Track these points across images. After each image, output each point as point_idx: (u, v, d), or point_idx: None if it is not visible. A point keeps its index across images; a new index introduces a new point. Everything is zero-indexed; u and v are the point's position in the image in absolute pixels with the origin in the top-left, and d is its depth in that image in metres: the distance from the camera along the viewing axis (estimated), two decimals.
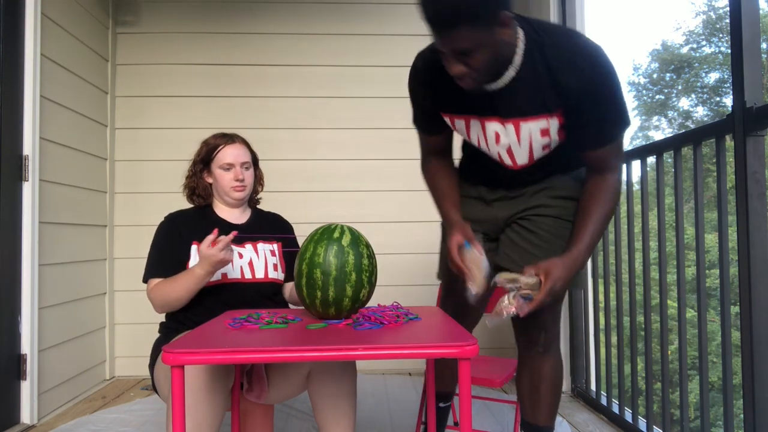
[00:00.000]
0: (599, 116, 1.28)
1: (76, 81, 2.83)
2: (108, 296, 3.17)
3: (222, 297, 1.66)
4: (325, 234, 1.37)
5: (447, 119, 1.45)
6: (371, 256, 1.39)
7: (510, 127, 1.34)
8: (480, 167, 1.52)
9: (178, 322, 1.67)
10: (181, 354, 1.03)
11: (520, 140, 1.36)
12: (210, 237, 1.55)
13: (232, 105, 3.32)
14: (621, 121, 1.31)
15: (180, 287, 1.60)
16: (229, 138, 1.81)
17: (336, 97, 3.36)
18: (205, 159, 1.79)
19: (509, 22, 1.19)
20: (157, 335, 1.73)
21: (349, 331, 1.24)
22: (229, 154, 1.77)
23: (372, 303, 1.63)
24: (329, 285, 1.32)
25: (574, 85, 1.24)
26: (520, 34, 1.26)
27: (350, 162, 3.37)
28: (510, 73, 1.27)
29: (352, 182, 3.36)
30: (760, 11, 1.95)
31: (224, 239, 1.55)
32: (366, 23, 3.41)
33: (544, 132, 1.33)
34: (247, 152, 1.82)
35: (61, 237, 2.65)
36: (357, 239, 1.37)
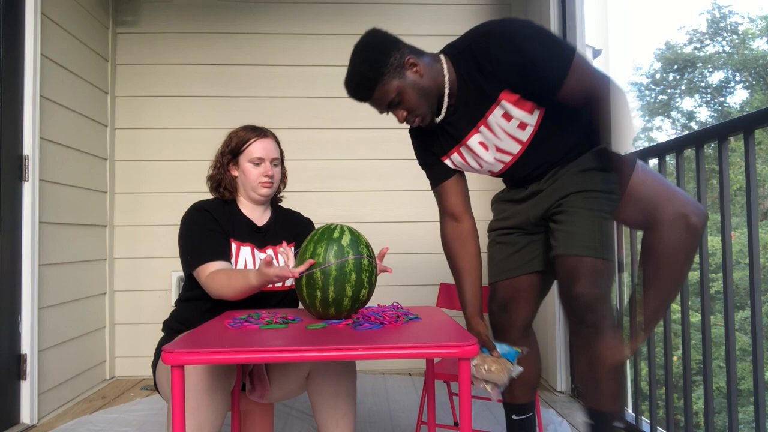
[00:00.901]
0: (535, 66, 1.33)
1: (76, 81, 2.83)
2: (108, 296, 3.17)
3: (238, 305, 1.62)
4: (325, 234, 1.37)
5: (448, 162, 1.57)
6: (371, 256, 1.38)
7: (483, 128, 1.46)
8: (505, 180, 1.65)
9: (182, 322, 1.65)
10: (181, 354, 1.03)
11: (496, 135, 1.46)
12: (270, 254, 1.45)
13: (232, 105, 3.32)
14: (557, 53, 1.35)
15: (233, 288, 1.50)
16: (260, 132, 1.73)
17: (336, 97, 3.33)
18: (234, 150, 1.72)
19: (416, 61, 1.38)
20: (160, 334, 1.72)
21: (349, 331, 1.23)
22: (260, 148, 1.70)
23: (372, 303, 1.63)
24: (329, 285, 1.31)
25: (497, 63, 1.34)
26: (443, 60, 1.43)
27: (350, 162, 3.36)
28: (445, 98, 1.43)
29: (352, 182, 3.36)
30: (760, 11, 1.94)
31: (283, 268, 1.38)
32: (366, 23, 3.36)
33: (506, 116, 1.42)
34: (277, 148, 1.76)
35: (61, 237, 2.65)
36: (357, 239, 1.37)
